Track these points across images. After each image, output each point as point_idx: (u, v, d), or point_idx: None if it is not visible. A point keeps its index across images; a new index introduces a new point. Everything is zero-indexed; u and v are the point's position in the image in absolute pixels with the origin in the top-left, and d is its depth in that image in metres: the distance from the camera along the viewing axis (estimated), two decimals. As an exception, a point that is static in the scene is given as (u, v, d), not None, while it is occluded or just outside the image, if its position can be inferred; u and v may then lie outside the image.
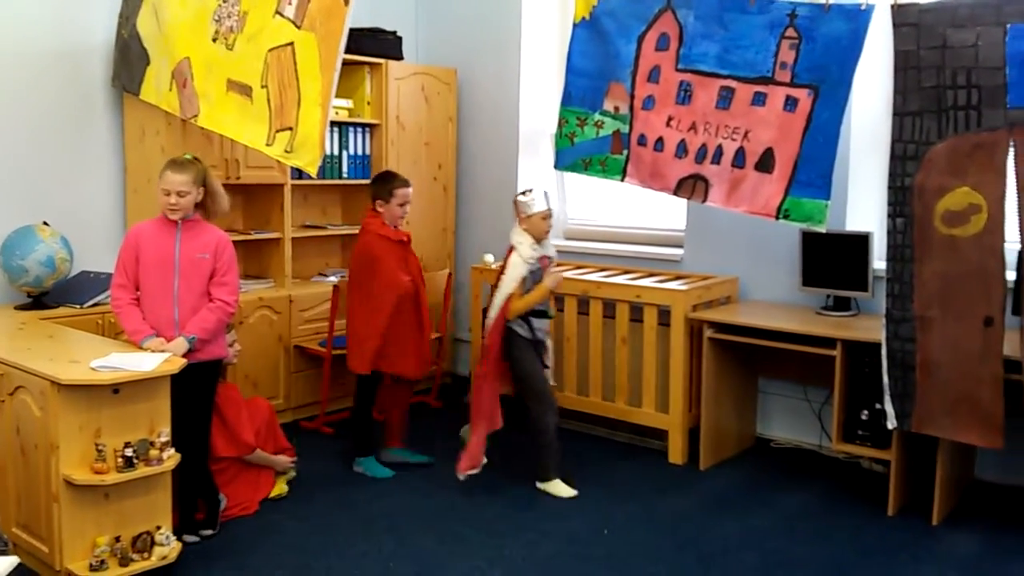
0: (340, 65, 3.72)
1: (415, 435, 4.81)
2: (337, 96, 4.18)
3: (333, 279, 5.42)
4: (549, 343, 4.46)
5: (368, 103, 5.70)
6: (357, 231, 5.63)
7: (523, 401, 4.36)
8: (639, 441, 4.97)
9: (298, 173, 5.17)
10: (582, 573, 3.53)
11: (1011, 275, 3.56)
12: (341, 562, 3.58)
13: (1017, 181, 3.44)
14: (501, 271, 4.28)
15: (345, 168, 5.64)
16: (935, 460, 3.91)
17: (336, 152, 5.58)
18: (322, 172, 5.19)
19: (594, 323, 4.94)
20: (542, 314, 4.34)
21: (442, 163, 6.04)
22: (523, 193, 4.28)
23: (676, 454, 4.68)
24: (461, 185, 6.18)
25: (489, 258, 5.43)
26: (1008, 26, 3.39)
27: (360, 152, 5.71)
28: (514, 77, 5.83)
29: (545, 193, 4.27)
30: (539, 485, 4.31)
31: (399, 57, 5.79)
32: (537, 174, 5.86)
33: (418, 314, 4.45)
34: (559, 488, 4.28)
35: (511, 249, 4.24)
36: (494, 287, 4.32)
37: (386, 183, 4.41)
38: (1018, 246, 3.50)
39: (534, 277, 4.23)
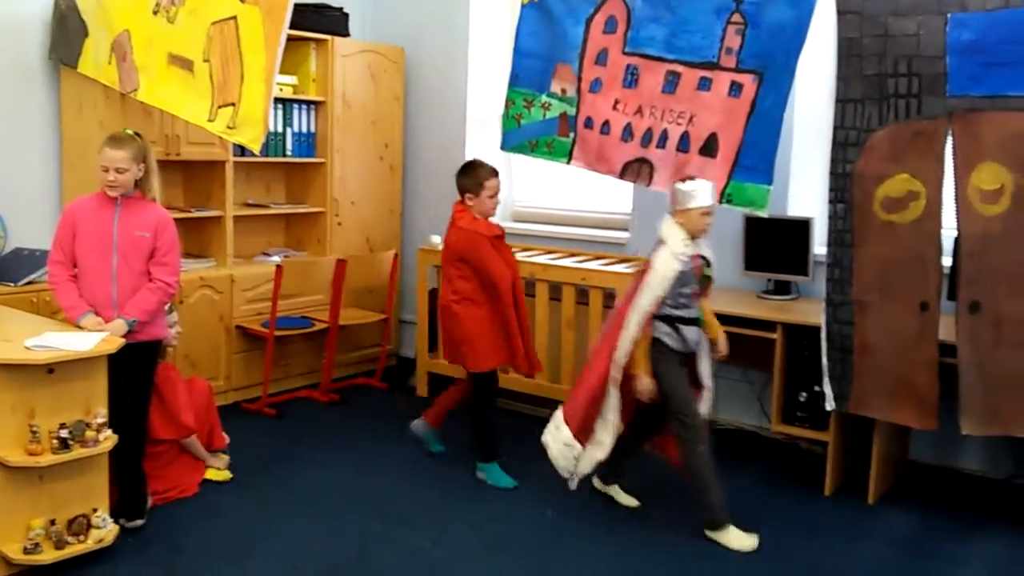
0: (284, 40, 3.65)
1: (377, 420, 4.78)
2: (281, 72, 4.12)
3: (276, 259, 5.35)
4: (706, 359, 3.85)
5: (313, 80, 5.62)
6: (302, 210, 5.61)
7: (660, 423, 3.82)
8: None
9: (240, 150, 5.08)
10: (526, 553, 3.55)
11: (947, 261, 3.63)
12: (282, 545, 3.55)
13: (955, 168, 3.53)
14: (643, 270, 3.72)
15: (289, 146, 5.56)
16: (871, 441, 4.01)
17: (280, 129, 5.49)
18: (266, 149, 5.10)
19: (540, 306, 4.95)
20: (693, 321, 3.74)
21: (389, 142, 5.98)
22: (684, 181, 3.71)
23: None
24: (408, 165, 6.13)
25: (436, 239, 5.41)
26: (948, 15, 3.46)
27: (305, 130, 5.63)
28: (462, 57, 5.80)
29: (712, 187, 3.74)
30: (708, 534, 3.66)
31: (345, 34, 5.71)
32: (484, 155, 5.83)
33: (519, 309, 4.20)
34: (736, 538, 3.61)
35: (658, 243, 3.71)
36: (631, 290, 3.73)
37: (475, 174, 4.11)
38: (955, 232, 3.58)
39: (683, 279, 3.66)
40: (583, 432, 3.74)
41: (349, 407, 5.27)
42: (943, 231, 3.62)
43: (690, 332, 3.71)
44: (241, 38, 3.73)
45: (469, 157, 5.76)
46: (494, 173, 4.13)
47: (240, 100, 3.75)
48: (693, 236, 3.67)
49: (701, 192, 3.67)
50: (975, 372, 3.54)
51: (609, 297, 4.68)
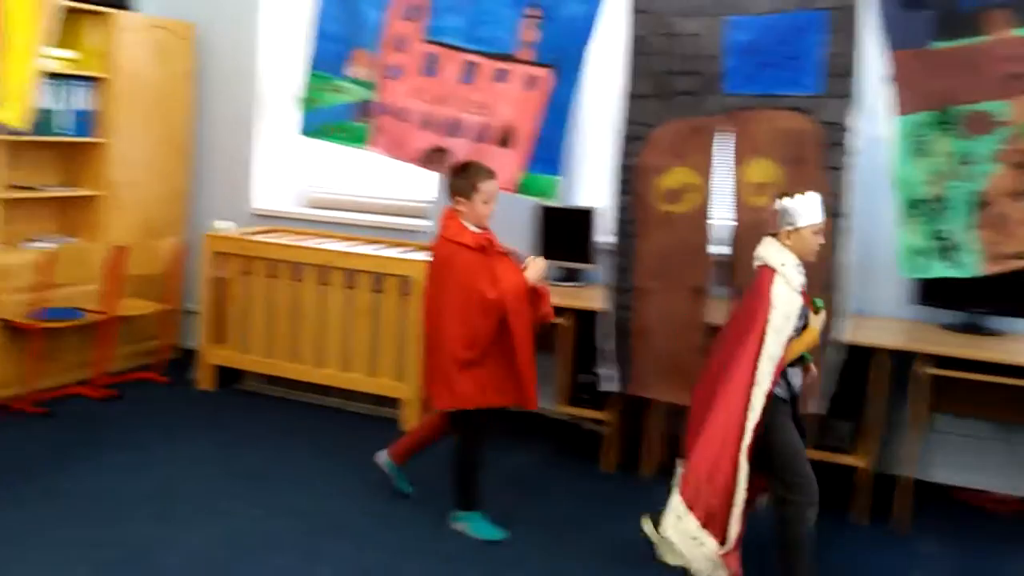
0: (57, 12, 3.39)
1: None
2: (58, 47, 3.81)
3: (46, 245, 4.95)
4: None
5: (93, 55, 5.25)
6: (77, 193, 5.23)
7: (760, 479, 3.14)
8: (375, 411, 4.97)
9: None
10: (307, 546, 3.49)
11: (720, 249, 3.91)
12: (43, 553, 3.29)
13: (730, 162, 3.80)
14: (753, 308, 3.06)
15: (65, 124, 5.17)
16: (648, 420, 4.25)
17: (54, 106, 5.09)
18: (37, 128, 4.70)
19: (334, 294, 4.88)
20: (794, 362, 3.17)
21: (175, 123, 5.70)
22: (790, 196, 3.14)
23: (410, 421, 4.73)
24: (197, 147, 5.86)
25: (222, 225, 5.21)
26: (727, 18, 3.74)
27: (83, 107, 5.26)
28: (255, 37, 5.62)
29: (820, 199, 3.17)
30: None
31: (129, 7, 5.40)
32: (279, 138, 5.69)
33: (507, 335, 3.54)
34: None
35: (765, 271, 3.09)
36: (741, 328, 3.08)
37: (468, 176, 3.59)
38: (727, 222, 3.86)
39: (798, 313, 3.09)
40: (712, 520, 2.97)
41: (126, 403, 4.96)
42: (715, 221, 3.89)
43: (795, 376, 3.19)
44: (6, 10, 3.43)
45: (262, 140, 5.65)
46: (491, 175, 3.61)
47: (3, 76, 3.45)
48: (804, 259, 3.15)
49: (810, 207, 3.12)
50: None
51: (405, 285, 4.68)
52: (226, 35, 5.72)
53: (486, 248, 3.55)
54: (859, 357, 3.81)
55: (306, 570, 3.31)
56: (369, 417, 4.94)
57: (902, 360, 3.81)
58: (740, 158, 3.78)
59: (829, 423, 3.95)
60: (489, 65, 4.27)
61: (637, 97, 3.92)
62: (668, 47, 3.84)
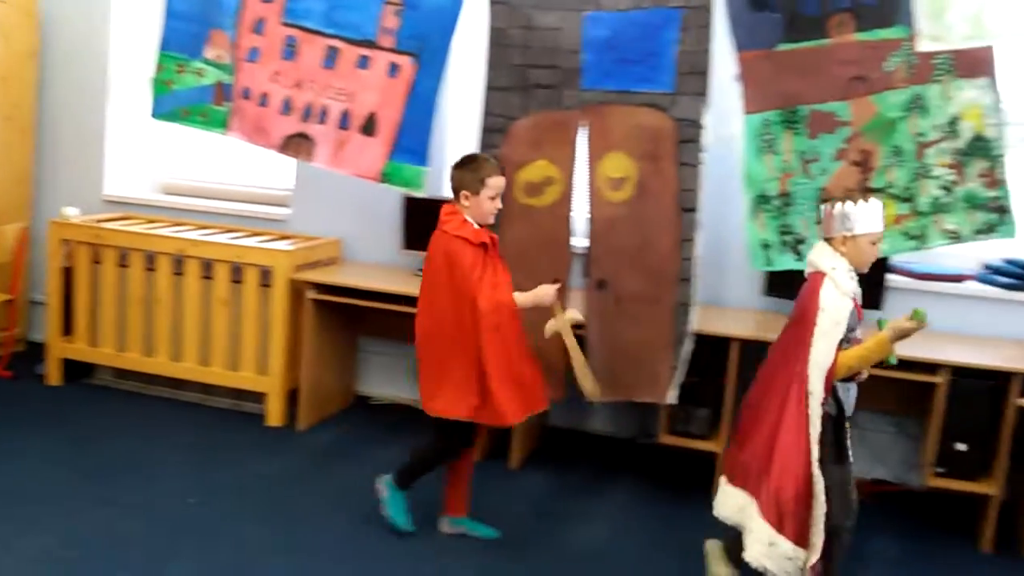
0: None
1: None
2: None
3: None
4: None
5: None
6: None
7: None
8: (237, 406, 4.84)
9: None
10: (165, 546, 3.37)
11: (579, 241, 3.95)
12: None
13: (588, 156, 3.84)
14: (802, 314, 2.92)
15: None
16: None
17: None
18: None
19: (190, 284, 4.71)
20: (848, 377, 2.98)
21: (19, 103, 5.35)
22: (848, 201, 2.92)
23: (275, 416, 4.62)
24: (42, 129, 5.54)
25: (70, 211, 4.95)
26: (585, 14, 3.76)
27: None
28: (107, 14, 5.34)
29: (881, 208, 2.96)
30: None
31: (-36, -23, 5.04)
32: (132, 122, 5.44)
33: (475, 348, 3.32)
34: None
35: (815, 276, 2.95)
36: (792, 337, 2.96)
37: (475, 170, 3.35)
38: (586, 215, 3.91)
39: (848, 323, 2.92)
40: (802, 537, 2.90)
41: (-37, 399, 4.68)
42: (575, 214, 3.93)
43: (847, 391, 2.99)
44: None
45: (114, 123, 5.38)
46: (500, 170, 3.38)
47: None
48: (858, 269, 2.96)
49: (871, 215, 2.92)
50: (599, 344, 3.88)
51: (266, 275, 4.56)
52: (74, 12, 5.41)
53: (488, 246, 3.35)
54: (716, 347, 3.92)
55: (157, 570, 3.19)
56: (231, 412, 4.80)
57: (756, 349, 3.93)
58: (597, 152, 3.82)
59: (688, 411, 4.05)
60: (351, 51, 4.18)
61: (497, 89, 3.90)
62: (527, 40, 3.83)
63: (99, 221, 5.02)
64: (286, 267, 4.51)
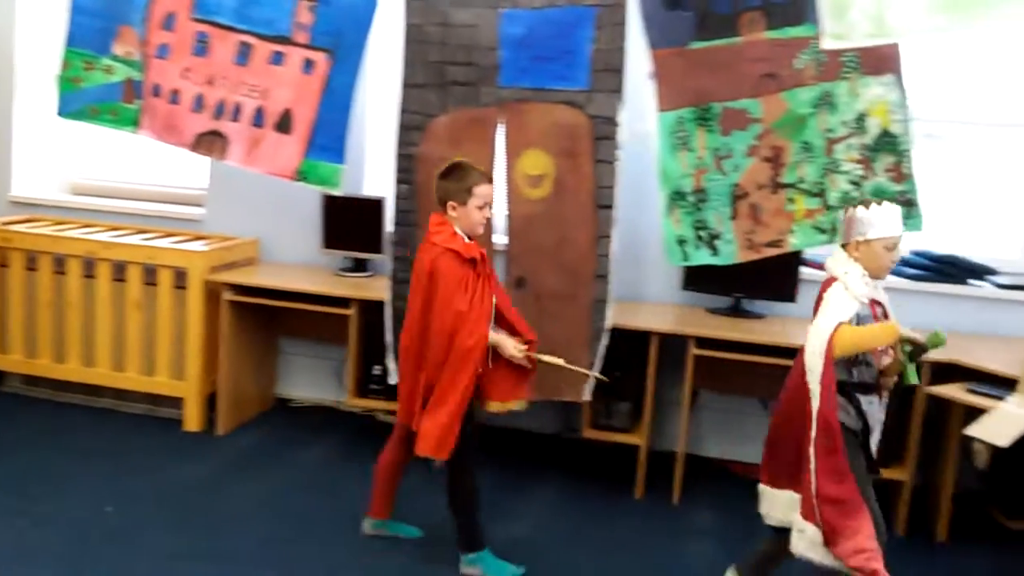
0: None
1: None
2: None
3: None
4: (879, 430, 2.96)
5: None
6: None
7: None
8: (153, 411, 4.72)
9: None
10: (80, 557, 3.27)
11: (499, 239, 3.94)
12: None
13: (506, 153, 3.83)
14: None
15: None
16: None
17: None
18: None
19: (102, 287, 4.57)
20: (870, 388, 2.90)
21: (-85, 101, 5.14)
22: (863, 205, 2.86)
23: (192, 421, 4.52)
24: (-58, 129, 5.32)
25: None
26: (501, 11, 3.74)
27: None
28: (10, 10, 5.13)
29: (899, 212, 2.89)
30: None
31: None
32: (39, 121, 5.25)
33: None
34: None
35: (827, 282, 2.90)
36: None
37: (461, 179, 3.20)
38: (504, 212, 3.90)
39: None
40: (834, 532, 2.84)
41: None
42: (494, 212, 3.91)
43: (872, 405, 2.89)
44: None
45: (20, 122, 5.18)
46: (487, 179, 3.28)
47: None
48: (874, 276, 2.88)
49: (884, 219, 2.85)
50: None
51: (181, 276, 4.44)
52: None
53: (478, 263, 3.20)
54: (636, 341, 3.96)
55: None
56: (147, 418, 4.68)
57: (674, 343, 3.99)
58: (514, 150, 3.81)
59: (610, 405, 4.08)
60: (264, 47, 4.10)
61: (414, 86, 3.86)
62: (443, 37, 3.80)
63: (5, 223, 4.84)
64: (201, 268, 4.41)
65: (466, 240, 3.20)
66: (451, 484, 3.32)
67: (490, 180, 3.29)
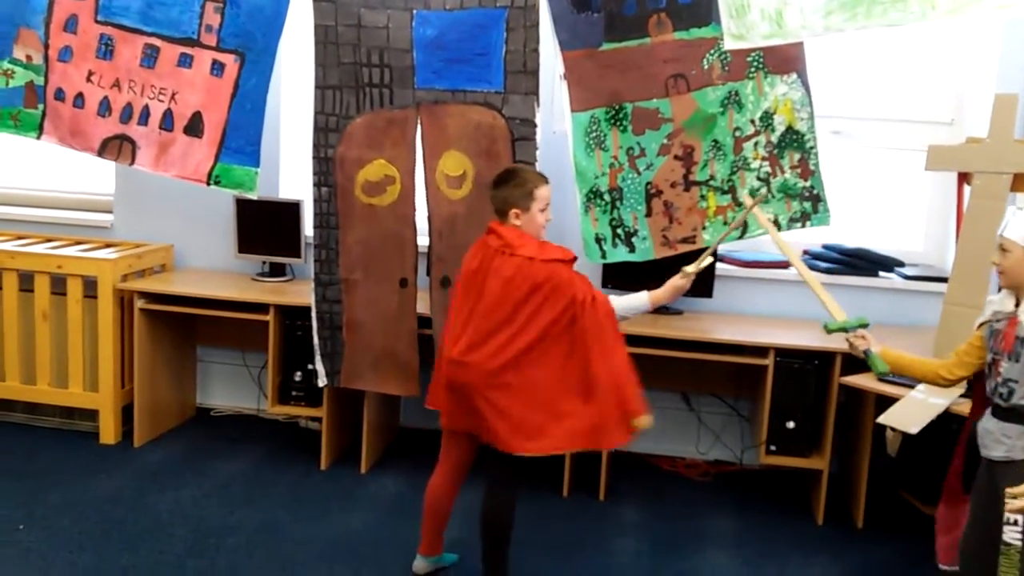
0: None
1: None
2: None
3: None
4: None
5: None
6: None
7: None
8: (67, 424, 4.58)
9: None
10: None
11: (424, 240, 3.92)
12: None
13: (424, 155, 3.81)
14: None
15: None
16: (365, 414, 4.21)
17: None
18: None
19: (8, 298, 4.41)
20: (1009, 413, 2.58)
21: None
22: None
23: (108, 434, 4.40)
24: None
25: None
26: (414, 12, 3.72)
27: None
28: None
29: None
30: None
31: None
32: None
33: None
34: None
35: None
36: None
37: (520, 184, 3.03)
38: (427, 213, 3.88)
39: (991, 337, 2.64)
40: None
41: None
42: (417, 213, 3.90)
43: (989, 428, 2.63)
44: None
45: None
46: (544, 180, 3.11)
47: None
48: (1014, 287, 2.59)
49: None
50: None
51: (91, 285, 4.32)
52: None
53: (571, 261, 3.06)
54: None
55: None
56: (62, 432, 4.54)
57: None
58: (434, 151, 3.80)
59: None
60: (172, 49, 4.01)
61: (328, 88, 3.82)
62: (356, 38, 3.76)
63: (-98, 234, 4.65)
64: (112, 276, 4.29)
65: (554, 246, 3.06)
66: (494, 502, 3.12)
67: (547, 181, 3.13)
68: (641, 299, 3.10)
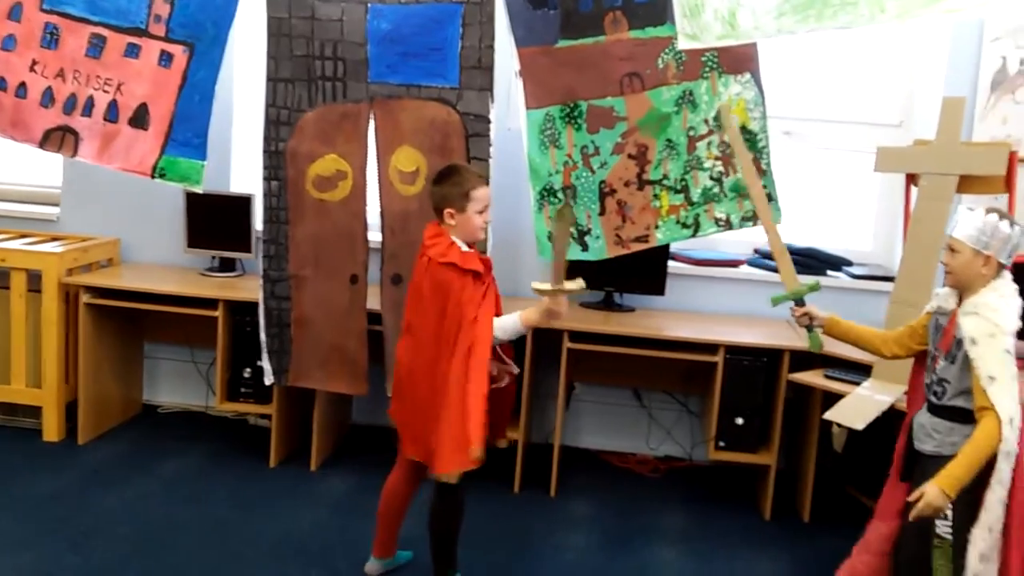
0: None
1: None
2: None
3: None
4: None
5: None
6: None
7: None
8: (9, 421, 4.47)
9: None
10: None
11: (375, 236, 3.89)
12: None
13: (377, 150, 3.78)
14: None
15: None
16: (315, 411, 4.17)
17: None
18: None
19: (-52, 291, 4.30)
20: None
21: None
22: (1007, 220, 2.53)
23: (52, 431, 4.31)
24: None
25: None
26: (368, 5, 3.68)
27: None
28: None
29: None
30: None
31: None
32: None
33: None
34: None
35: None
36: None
37: (457, 183, 2.94)
38: (379, 209, 3.85)
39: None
40: None
41: None
42: (369, 209, 3.87)
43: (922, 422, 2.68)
44: None
45: None
46: (484, 181, 3.05)
47: None
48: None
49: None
50: (396, 339, 3.84)
51: (35, 279, 4.22)
52: None
53: (482, 274, 2.94)
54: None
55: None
56: (4, 429, 4.43)
57: (548, 336, 4.01)
58: (387, 146, 3.77)
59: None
60: (119, 39, 3.91)
61: (280, 81, 3.77)
62: (310, 31, 3.72)
63: None
64: (57, 270, 4.20)
65: (464, 249, 2.95)
66: (442, 504, 3.09)
67: (487, 182, 3.08)
68: (513, 320, 2.98)
